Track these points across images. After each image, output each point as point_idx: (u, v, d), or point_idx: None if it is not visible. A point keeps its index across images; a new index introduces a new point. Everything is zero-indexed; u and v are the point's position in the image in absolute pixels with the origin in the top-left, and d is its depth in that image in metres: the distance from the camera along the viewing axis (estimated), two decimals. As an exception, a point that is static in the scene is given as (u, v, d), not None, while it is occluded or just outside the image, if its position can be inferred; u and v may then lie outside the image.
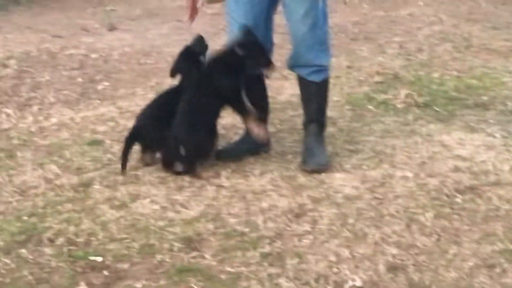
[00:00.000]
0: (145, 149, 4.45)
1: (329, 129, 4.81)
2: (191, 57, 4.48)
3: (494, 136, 4.82)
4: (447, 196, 3.98)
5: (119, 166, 4.35)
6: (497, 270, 3.29)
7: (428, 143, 4.69)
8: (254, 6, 4.35)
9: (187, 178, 4.26)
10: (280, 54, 4.84)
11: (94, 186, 4.19)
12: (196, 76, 4.38)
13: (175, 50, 7.08)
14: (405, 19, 8.33)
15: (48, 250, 3.52)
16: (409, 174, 4.25)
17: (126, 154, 4.34)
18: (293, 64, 4.48)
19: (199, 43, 4.54)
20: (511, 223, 3.69)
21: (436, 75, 6.20)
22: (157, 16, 9.29)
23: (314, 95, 4.48)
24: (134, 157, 4.48)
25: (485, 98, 5.62)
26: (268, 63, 4.37)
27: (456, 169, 4.30)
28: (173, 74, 4.52)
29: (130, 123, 4.87)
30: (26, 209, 3.95)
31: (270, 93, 4.87)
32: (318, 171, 4.29)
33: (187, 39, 7.66)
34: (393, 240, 3.56)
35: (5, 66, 6.59)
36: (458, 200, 3.94)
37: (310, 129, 4.51)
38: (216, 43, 7.20)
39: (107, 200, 4.02)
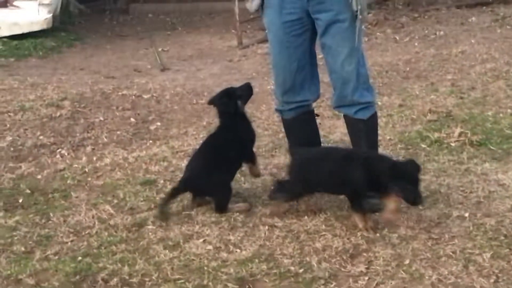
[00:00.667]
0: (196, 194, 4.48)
1: (383, 168, 4.77)
2: (228, 96, 4.54)
3: (550, 175, 4.73)
4: (505, 236, 3.90)
5: (173, 206, 4.41)
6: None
7: (484, 182, 4.62)
8: (298, 47, 4.37)
9: (239, 218, 4.26)
10: (330, 92, 4.83)
11: (148, 226, 4.21)
12: (228, 115, 4.50)
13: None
14: (457, 57, 8.27)
15: (102, 291, 3.54)
16: (466, 214, 4.18)
17: (169, 202, 4.36)
18: (339, 104, 4.46)
19: (243, 89, 4.62)
20: None
21: (490, 113, 6.12)
22: (208, 57, 9.39)
23: (363, 133, 4.45)
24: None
25: (541, 135, 5.51)
26: (415, 199, 4.00)
27: (514, 209, 4.23)
28: (209, 103, 4.68)
29: (183, 163, 4.91)
30: (81, 249, 3.98)
31: (322, 132, 4.88)
32: (372, 211, 4.22)
33: (237, 79, 7.80)
34: (450, 282, 3.50)
35: (60, 107, 6.69)
36: (517, 240, 3.86)
37: (362, 169, 4.47)
38: (267, 83, 7.30)
39: (161, 240, 4.03)
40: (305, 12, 4.28)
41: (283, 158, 5.15)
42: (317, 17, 4.26)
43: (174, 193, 4.38)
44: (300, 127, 4.60)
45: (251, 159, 4.58)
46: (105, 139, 5.92)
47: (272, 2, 4.33)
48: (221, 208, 4.34)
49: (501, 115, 6.06)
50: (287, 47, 4.36)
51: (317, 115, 4.71)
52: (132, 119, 6.44)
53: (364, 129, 4.44)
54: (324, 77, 4.62)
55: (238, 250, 3.89)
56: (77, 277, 3.67)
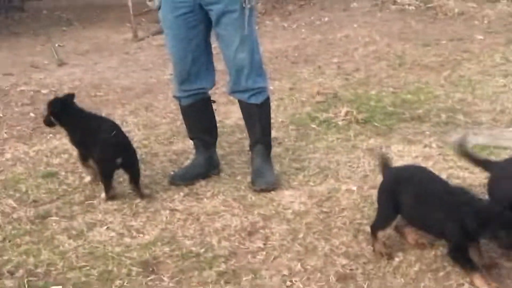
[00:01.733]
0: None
1: (276, 149, 4.97)
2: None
3: (430, 147, 5.01)
4: (390, 205, 4.11)
5: (75, 196, 4.48)
6: (441, 273, 3.44)
7: (370, 157, 4.85)
8: (192, 40, 4.46)
9: (141, 204, 4.35)
10: (225, 79, 4.98)
11: (51, 218, 4.25)
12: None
13: (124, 81, 7.18)
14: (342, 41, 8.54)
15: (8, 283, 3.57)
16: (353, 187, 4.39)
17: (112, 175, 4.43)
18: (234, 90, 4.59)
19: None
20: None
21: (373, 92, 6.41)
22: (105, 50, 9.36)
23: (257, 116, 4.61)
24: (89, 187, 4.60)
25: (420, 111, 5.82)
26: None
27: (397, 180, 4.45)
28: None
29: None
30: (-15, 244, 3.97)
31: (218, 117, 5.00)
32: (267, 189, 4.42)
33: (134, 71, 7.85)
34: (342, 251, 3.69)
35: (-44, 106, 6.61)
36: (401, 209, 4.07)
37: (256, 150, 4.64)
38: (163, 73, 7.38)
39: (65, 230, 4.08)
40: (198, 5, 4.38)
41: (181, 145, 5.29)
42: (209, 8, 4.36)
43: (114, 164, 4.41)
44: (197, 113, 4.72)
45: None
46: (5, 135, 5.90)
47: None
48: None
49: (383, 93, 6.36)
50: (182, 40, 4.45)
51: (213, 101, 4.82)
52: (31, 114, 6.43)
53: (257, 113, 4.59)
54: (218, 65, 4.73)
55: (141, 235, 3.98)
56: (-17, 271, 3.67)
